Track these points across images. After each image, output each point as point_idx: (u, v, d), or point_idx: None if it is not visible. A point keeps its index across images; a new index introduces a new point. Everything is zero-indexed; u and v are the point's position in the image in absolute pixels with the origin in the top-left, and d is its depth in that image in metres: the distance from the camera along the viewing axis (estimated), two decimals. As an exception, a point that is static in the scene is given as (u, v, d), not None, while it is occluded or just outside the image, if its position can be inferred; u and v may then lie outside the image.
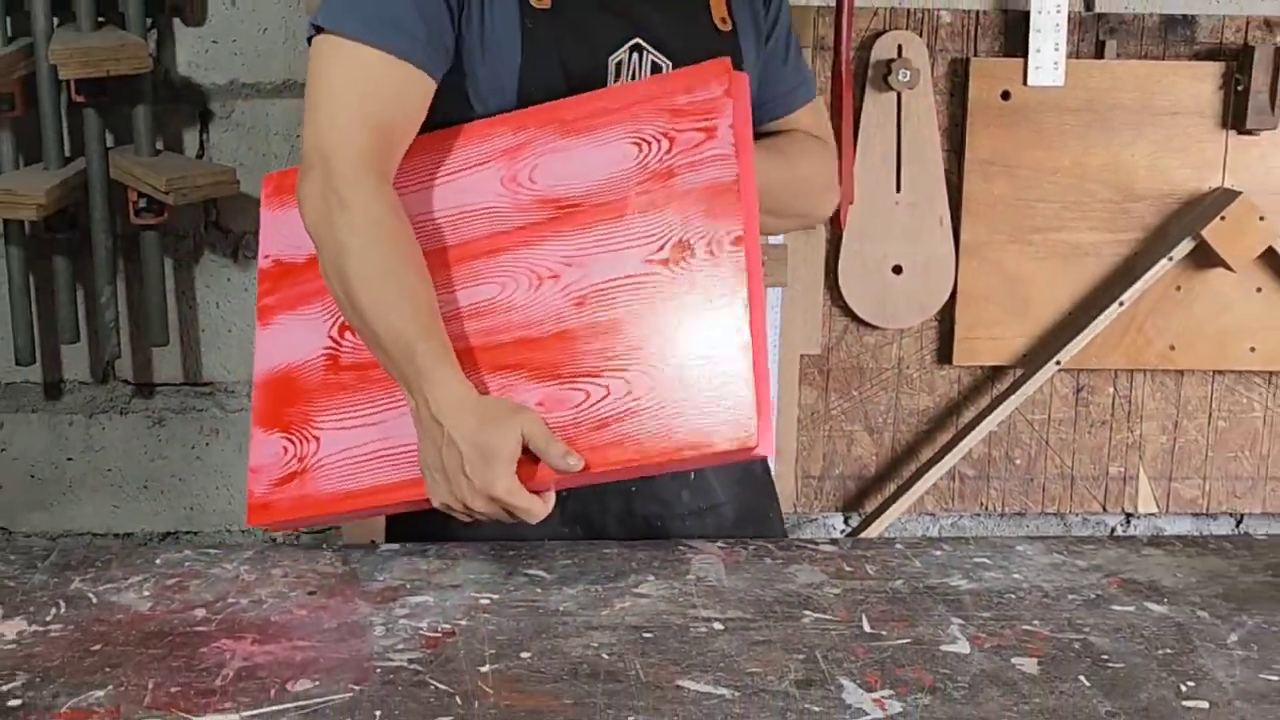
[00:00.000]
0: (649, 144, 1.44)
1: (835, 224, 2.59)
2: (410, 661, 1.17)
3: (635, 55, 1.53)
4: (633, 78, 1.53)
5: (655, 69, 1.54)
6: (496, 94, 1.51)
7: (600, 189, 1.44)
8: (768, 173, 1.57)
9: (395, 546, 1.44)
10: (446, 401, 1.33)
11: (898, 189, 2.60)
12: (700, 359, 1.34)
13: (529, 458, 1.33)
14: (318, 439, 1.49)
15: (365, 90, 1.44)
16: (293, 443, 1.50)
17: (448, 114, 1.52)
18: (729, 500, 1.63)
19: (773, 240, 2.52)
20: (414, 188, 1.52)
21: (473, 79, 1.51)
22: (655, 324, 1.37)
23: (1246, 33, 2.61)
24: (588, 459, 1.33)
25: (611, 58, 1.52)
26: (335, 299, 1.43)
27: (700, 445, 1.32)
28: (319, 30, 1.46)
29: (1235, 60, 2.59)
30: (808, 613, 1.28)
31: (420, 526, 1.52)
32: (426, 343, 1.36)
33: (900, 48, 2.56)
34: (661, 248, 1.39)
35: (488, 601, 1.30)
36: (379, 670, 1.16)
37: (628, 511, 1.57)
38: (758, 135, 1.68)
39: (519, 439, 1.31)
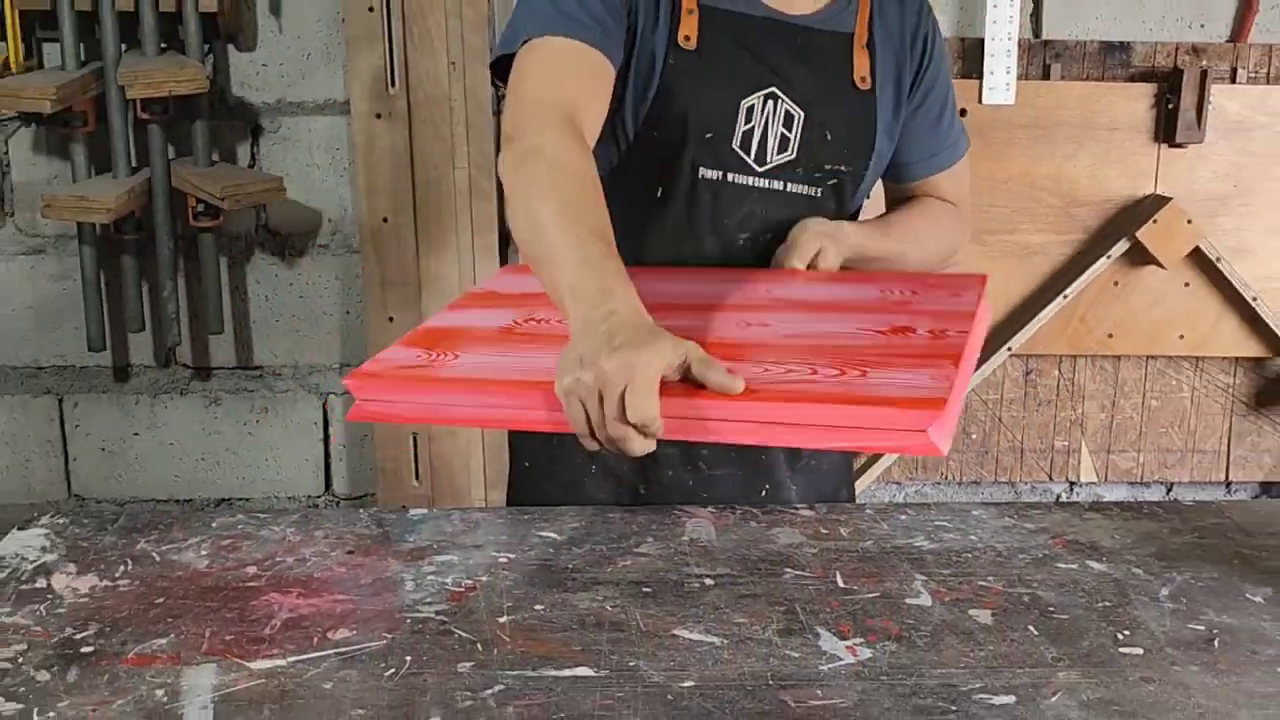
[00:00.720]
0: (893, 290, 1.38)
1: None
2: (437, 613, 1.17)
3: (770, 102, 1.47)
4: (765, 122, 1.47)
5: (788, 117, 1.48)
6: (632, 118, 1.47)
7: (832, 300, 1.36)
8: (906, 257, 1.55)
9: (424, 511, 1.43)
10: (624, 307, 1.16)
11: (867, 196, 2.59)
12: (907, 375, 1.17)
13: (680, 388, 1.15)
14: (457, 355, 1.31)
15: (554, 66, 1.38)
16: (428, 353, 1.32)
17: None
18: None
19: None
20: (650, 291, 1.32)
21: (618, 99, 1.46)
22: (864, 349, 1.22)
23: (1176, 58, 2.60)
24: (750, 388, 1.13)
25: (744, 101, 1.47)
26: (520, 236, 1.29)
27: (879, 401, 1.12)
28: (524, 42, 1.41)
29: (1166, 82, 2.58)
30: (788, 570, 1.28)
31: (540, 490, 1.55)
32: (614, 261, 1.21)
33: (870, 70, 2.55)
34: (885, 328, 1.28)
35: (506, 560, 1.29)
36: (409, 620, 1.16)
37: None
38: (895, 198, 1.66)
39: (683, 356, 1.12)
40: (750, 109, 1.47)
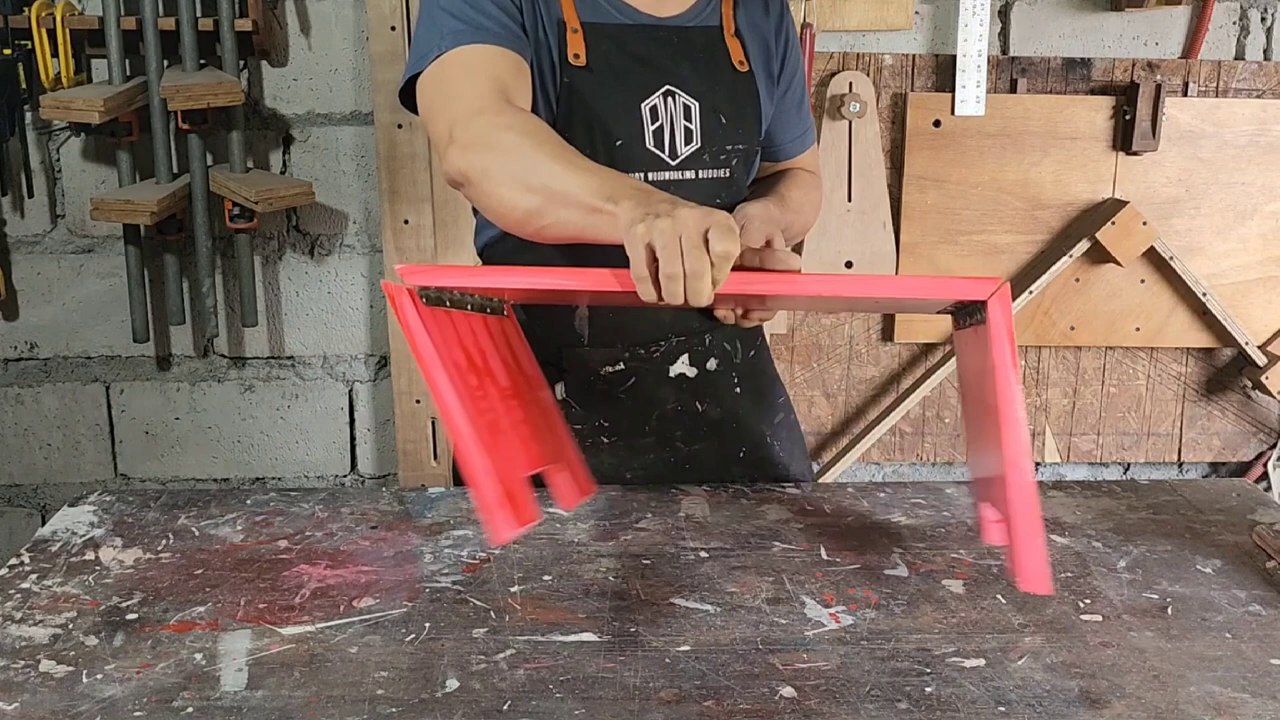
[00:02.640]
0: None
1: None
2: (453, 583, 1.17)
3: (669, 99, 1.46)
4: (670, 118, 1.46)
5: (686, 109, 1.46)
6: None
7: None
8: (793, 226, 1.55)
9: (441, 489, 1.43)
10: (671, 197, 1.13)
11: (849, 199, 2.59)
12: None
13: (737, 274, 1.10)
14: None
15: (476, 68, 1.33)
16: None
17: None
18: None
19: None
20: None
21: (534, 110, 1.42)
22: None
23: (1132, 72, 2.59)
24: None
25: (645, 103, 1.44)
26: (511, 198, 1.23)
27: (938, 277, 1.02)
28: (435, 59, 1.36)
29: (1123, 95, 2.57)
30: (776, 543, 1.28)
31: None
32: (630, 177, 1.21)
33: (851, 84, 2.54)
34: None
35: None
36: (428, 590, 1.15)
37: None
38: (770, 174, 1.65)
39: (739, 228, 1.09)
40: (654, 109, 1.45)
